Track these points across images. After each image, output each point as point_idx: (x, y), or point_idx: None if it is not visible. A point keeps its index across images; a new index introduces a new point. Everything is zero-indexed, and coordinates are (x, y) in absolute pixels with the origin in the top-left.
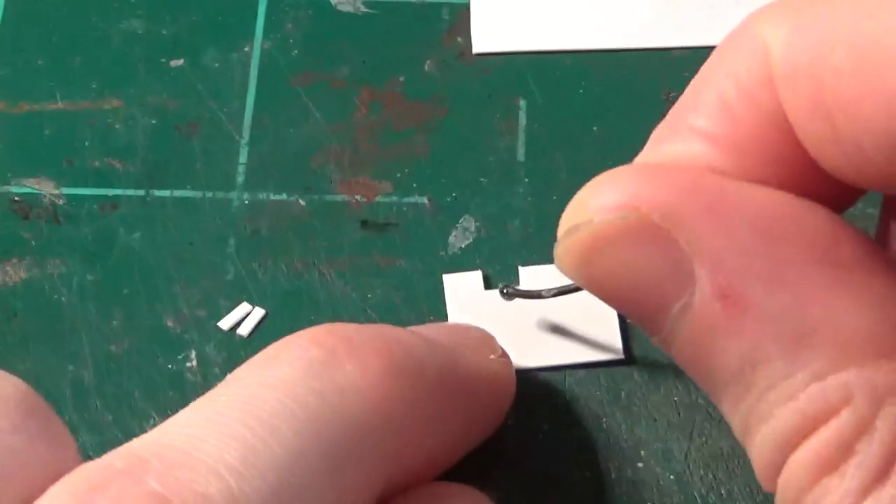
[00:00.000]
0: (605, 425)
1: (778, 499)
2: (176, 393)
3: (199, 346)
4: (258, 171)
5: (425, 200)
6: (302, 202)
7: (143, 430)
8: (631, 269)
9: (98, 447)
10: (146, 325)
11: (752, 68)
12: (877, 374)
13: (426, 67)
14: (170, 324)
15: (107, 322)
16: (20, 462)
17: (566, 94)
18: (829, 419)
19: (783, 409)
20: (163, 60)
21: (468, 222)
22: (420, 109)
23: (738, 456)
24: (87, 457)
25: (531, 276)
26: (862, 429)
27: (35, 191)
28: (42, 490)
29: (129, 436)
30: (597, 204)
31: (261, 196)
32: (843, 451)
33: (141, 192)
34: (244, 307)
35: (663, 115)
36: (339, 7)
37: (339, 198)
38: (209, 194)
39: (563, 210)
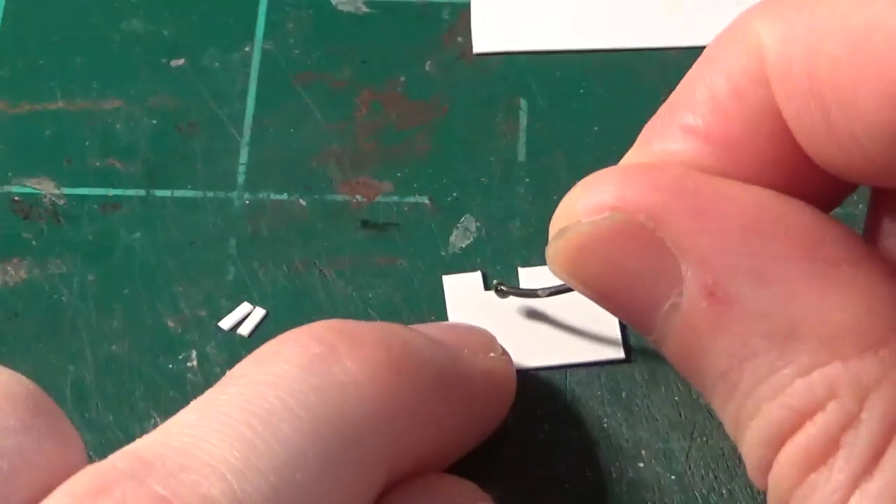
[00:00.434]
0: (605, 425)
1: (769, 495)
2: (177, 393)
3: (200, 347)
4: (259, 171)
5: (426, 200)
6: (303, 202)
7: (143, 431)
8: (619, 270)
9: (99, 447)
10: (147, 325)
11: (744, 66)
12: (861, 367)
13: (427, 67)
14: (170, 324)
15: (107, 322)
16: (28, 460)
17: (567, 95)
18: (815, 413)
19: (770, 404)
20: (163, 60)
21: (469, 222)
22: (421, 109)
23: (738, 456)
24: (87, 457)
25: (530, 278)
26: (848, 422)
27: (35, 191)
28: (50, 488)
29: (129, 436)
30: (584, 206)
31: (261, 196)
32: (830, 445)
33: (142, 192)
34: (245, 307)
35: None
36: (340, 7)
37: (339, 198)
38: (210, 194)
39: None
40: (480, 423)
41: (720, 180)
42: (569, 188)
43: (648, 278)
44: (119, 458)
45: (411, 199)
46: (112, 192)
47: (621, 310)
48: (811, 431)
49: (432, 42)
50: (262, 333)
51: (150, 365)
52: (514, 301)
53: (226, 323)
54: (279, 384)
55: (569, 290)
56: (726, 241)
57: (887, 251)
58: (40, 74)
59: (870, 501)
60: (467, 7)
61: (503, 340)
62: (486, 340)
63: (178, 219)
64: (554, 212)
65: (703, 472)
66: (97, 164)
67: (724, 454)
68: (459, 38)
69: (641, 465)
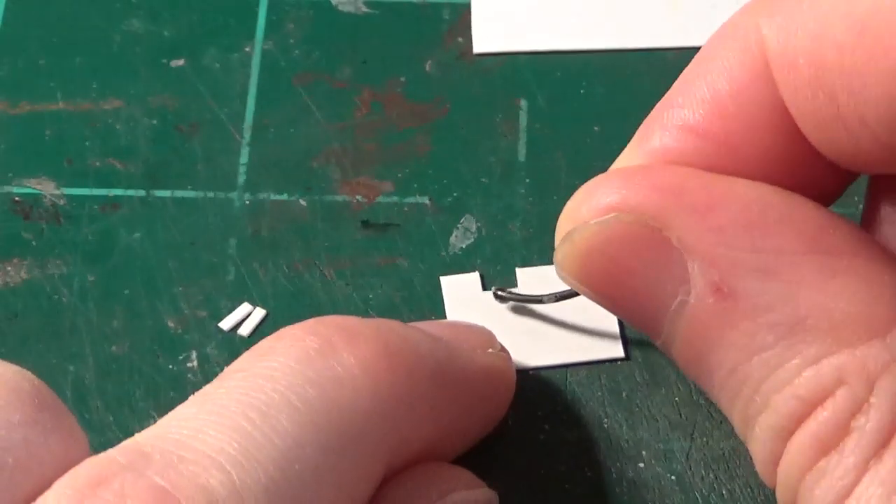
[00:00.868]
0: (606, 425)
1: (779, 488)
2: (177, 393)
3: (200, 347)
4: (259, 171)
5: (426, 200)
6: (303, 202)
7: None
8: (627, 272)
9: (99, 447)
10: (147, 326)
11: (744, 62)
12: (869, 354)
13: (427, 68)
14: (171, 324)
15: (107, 322)
16: (34, 454)
17: (567, 95)
18: (824, 401)
19: (779, 396)
20: (164, 61)
21: (469, 222)
22: (421, 109)
23: (739, 456)
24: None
25: (528, 278)
26: (857, 407)
27: (36, 191)
28: (54, 482)
29: (129, 436)
30: (590, 208)
31: (262, 196)
32: (839, 430)
33: (142, 193)
34: (245, 307)
35: None
36: (340, 7)
37: (340, 198)
38: (210, 194)
39: (559, 217)
40: (480, 419)
41: (722, 178)
42: (569, 188)
43: (656, 278)
44: (119, 451)
45: (411, 200)
46: (112, 192)
47: (630, 312)
48: (821, 418)
49: (432, 42)
50: (263, 334)
51: (151, 365)
52: (513, 302)
53: (226, 323)
54: (277, 377)
55: (573, 294)
56: (731, 237)
57: (886, 241)
58: (40, 74)
59: (880, 483)
60: (467, 7)
61: (502, 340)
62: (485, 337)
63: (179, 219)
64: (554, 212)
65: (703, 472)
66: (97, 164)
67: (724, 455)
68: (460, 38)
69: (642, 465)
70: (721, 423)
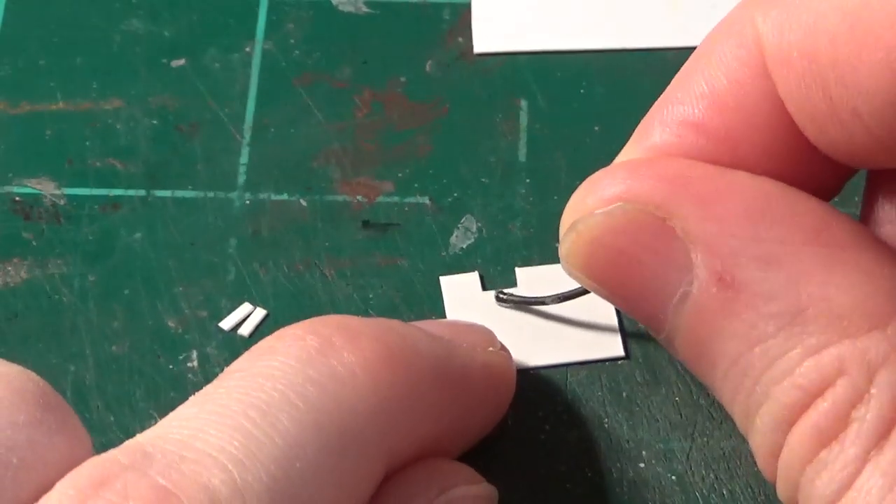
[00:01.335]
0: (606, 425)
1: (779, 482)
2: (177, 394)
3: (201, 347)
4: (259, 171)
5: (427, 201)
6: (303, 202)
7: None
8: (631, 262)
9: (100, 447)
10: (147, 326)
11: (742, 57)
12: (870, 345)
13: (427, 68)
14: (171, 324)
15: (108, 322)
16: (38, 454)
17: (567, 95)
18: (825, 391)
19: (780, 387)
20: (164, 61)
21: (469, 222)
22: (421, 110)
23: (739, 456)
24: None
25: (528, 278)
26: (858, 398)
27: (36, 191)
28: (57, 482)
29: (130, 436)
30: (595, 199)
31: (262, 196)
32: (840, 421)
33: (142, 193)
34: (245, 307)
35: None
36: (341, 7)
37: (340, 198)
38: (210, 194)
39: (564, 210)
40: (480, 418)
41: (725, 170)
42: (569, 188)
43: (660, 269)
44: (120, 451)
45: (412, 200)
46: (112, 192)
47: (634, 304)
48: (821, 408)
49: (433, 42)
50: (263, 334)
51: (151, 365)
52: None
53: (226, 323)
54: (277, 376)
55: (576, 295)
56: (734, 227)
57: (885, 236)
58: (40, 74)
59: (881, 474)
60: (468, 7)
61: (503, 339)
62: (485, 336)
63: (179, 219)
64: (555, 212)
65: (703, 472)
66: (98, 164)
67: (724, 454)
68: (460, 39)
69: (642, 465)
70: (721, 423)
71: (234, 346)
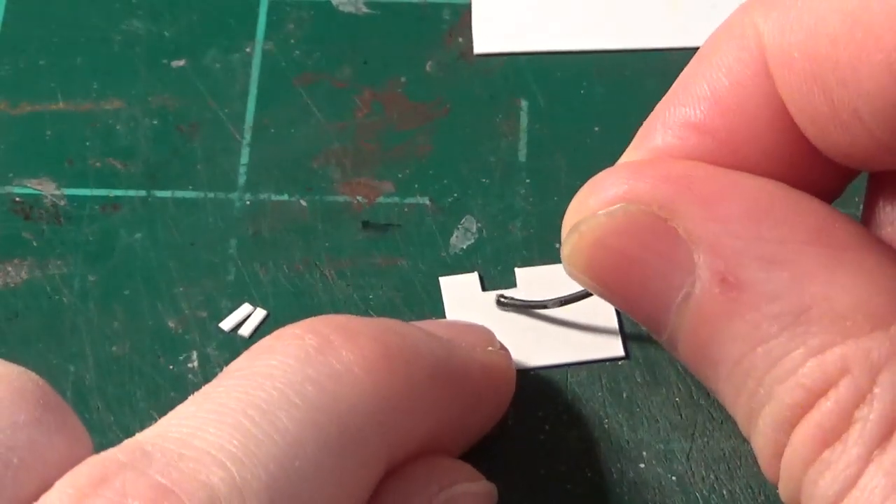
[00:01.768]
0: (606, 426)
1: (782, 482)
2: (177, 394)
3: (201, 347)
4: (259, 171)
5: (427, 201)
6: (303, 203)
7: None
8: (633, 263)
9: (100, 448)
10: (147, 326)
11: (743, 59)
12: (873, 345)
13: (427, 68)
14: (171, 324)
15: (108, 323)
16: (38, 454)
17: (567, 95)
18: (828, 391)
19: (783, 386)
20: (164, 61)
21: (469, 223)
22: (421, 110)
23: (739, 456)
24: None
25: (527, 278)
26: (860, 398)
27: (36, 191)
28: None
29: (130, 437)
30: (597, 199)
31: (262, 197)
32: (843, 421)
33: (142, 193)
34: (245, 308)
35: None
36: (341, 8)
37: (340, 198)
38: (210, 195)
39: (564, 211)
40: (480, 417)
41: (727, 171)
42: (569, 189)
43: (662, 270)
44: (120, 450)
45: (412, 200)
46: (113, 192)
47: (636, 306)
48: (825, 408)
49: (433, 42)
50: (263, 334)
51: (151, 366)
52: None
53: (227, 324)
54: (276, 375)
55: (578, 298)
56: (736, 228)
57: (887, 239)
58: (41, 74)
59: (884, 474)
60: (468, 7)
61: (502, 340)
62: (485, 336)
63: (179, 219)
64: (555, 212)
65: (703, 472)
66: (98, 164)
67: (725, 455)
68: (460, 39)
69: (642, 465)
70: (722, 423)
71: (235, 346)
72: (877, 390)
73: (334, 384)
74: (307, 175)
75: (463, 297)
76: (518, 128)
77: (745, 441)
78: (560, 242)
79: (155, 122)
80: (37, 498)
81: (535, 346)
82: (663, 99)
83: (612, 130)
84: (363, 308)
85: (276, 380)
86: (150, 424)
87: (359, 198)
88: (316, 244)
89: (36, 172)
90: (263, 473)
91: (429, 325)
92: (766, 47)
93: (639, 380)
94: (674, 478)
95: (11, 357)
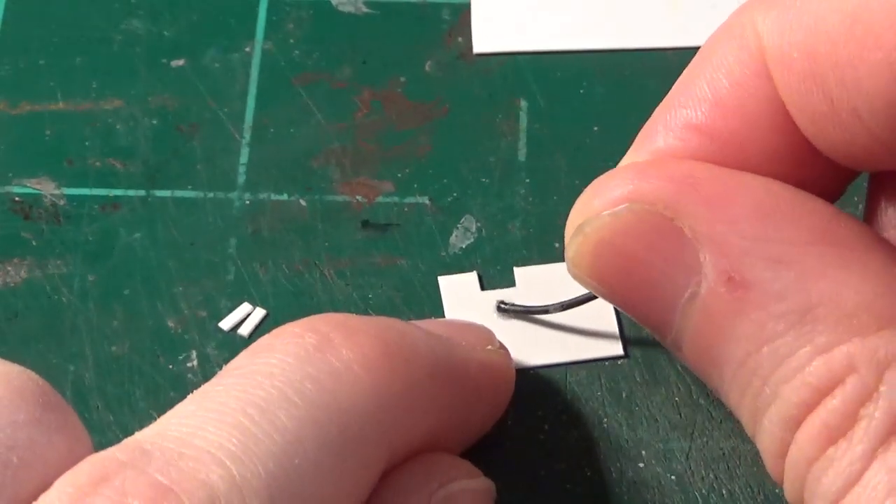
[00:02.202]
0: (605, 425)
1: (786, 480)
2: (177, 393)
3: (200, 347)
4: (259, 171)
5: (426, 201)
6: (303, 202)
7: None
8: (639, 264)
9: (99, 447)
10: (147, 326)
11: (743, 60)
12: (879, 344)
13: (427, 68)
14: (171, 324)
15: (108, 322)
16: (38, 453)
17: (567, 95)
18: (834, 389)
19: (789, 385)
20: (164, 61)
21: (469, 222)
22: (421, 110)
23: (739, 456)
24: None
25: (526, 277)
26: (866, 396)
27: (36, 191)
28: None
29: (129, 436)
30: (602, 200)
31: (262, 196)
32: (848, 419)
33: (142, 193)
34: (245, 307)
35: None
36: (340, 7)
37: (340, 198)
38: (210, 194)
39: (564, 210)
40: (479, 416)
41: (731, 171)
42: (569, 188)
43: (668, 270)
44: (119, 449)
45: (411, 200)
46: (112, 192)
47: (640, 307)
48: (830, 406)
49: (432, 42)
50: (263, 334)
51: (151, 365)
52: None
53: (226, 323)
54: (275, 373)
55: (580, 303)
56: (742, 227)
57: (888, 238)
58: (40, 74)
59: (888, 471)
60: (467, 7)
61: (502, 339)
62: (484, 335)
63: (179, 219)
64: (554, 212)
65: (703, 472)
66: (97, 164)
67: (724, 454)
68: (460, 39)
69: (642, 465)
70: (721, 422)
71: (234, 345)
72: (883, 388)
73: (334, 382)
74: (307, 175)
75: (462, 296)
76: (518, 127)
77: (745, 441)
78: (560, 242)
79: (154, 122)
80: (36, 497)
81: (534, 345)
82: (664, 100)
83: (612, 130)
84: (363, 307)
85: (275, 378)
86: (149, 424)
87: (358, 197)
88: (315, 244)
89: (35, 172)
90: (263, 472)
91: (428, 324)
92: (765, 47)
93: (638, 379)
94: (673, 477)
95: (11, 357)
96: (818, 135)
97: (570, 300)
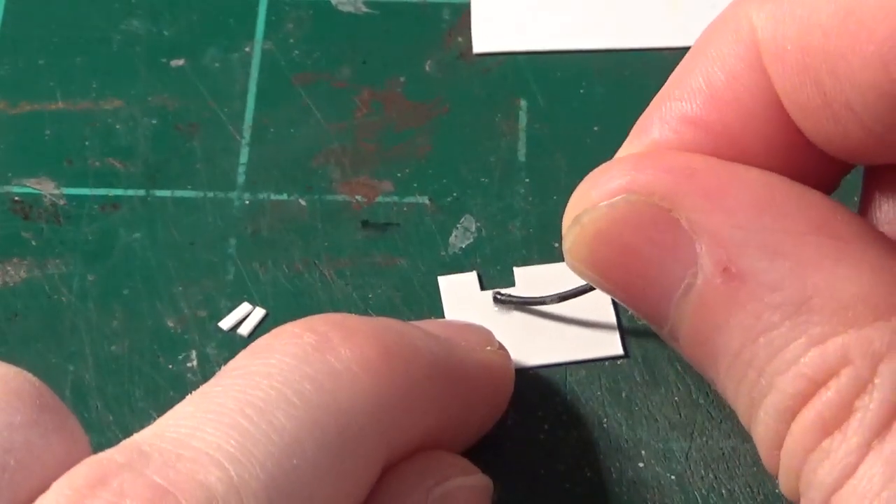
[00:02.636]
0: (605, 425)
1: (781, 472)
2: (177, 393)
3: (200, 347)
4: (259, 171)
5: (426, 200)
6: (303, 202)
7: None
8: (635, 255)
9: (99, 447)
10: (147, 326)
11: (738, 52)
12: (874, 335)
13: (427, 67)
14: (170, 324)
15: (107, 322)
16: (36, 455)
17: (567, 95)
18: (829, 381)
19: (784, 377)
20: (163, 60)
21: (469, 222)
22: (421, 109)
23: (738, 456)
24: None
25: (526, 277)
26: (861, 387)
27: (36, 191)
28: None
29: (129, 436)
30: (599, 191)
31: (261, 196)
32: (843, 410)
33: (142, 193)
34: (245, 307)
35: None
36: (340, 7)
37: (339, 198)
38: (210, 194)
39: (564, 210)
40: (478, 416)
41: (728, 163)
42: (569, 188)
43: (664, 260)
44: (117, 451)
45: (411, 200)
46: (112, 192)
47: (636, 297)
48: (825, 398)
49: (432, 42)
50: (262, 334)
51: (150, 365)
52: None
53: (226, 323)
54: (273, 374)
55: (576, 294)
56: (739, 218)
57: (886, 232)
58: (40, 74)
59: (883, 463)
60: (467, 7)
61: (501, 339)
62: (484, 335)
63: (178, 219)
64: (554, 212)
65: (702, 472)
66: (97, 164)
67: (724, 454)
68: (459, 38)
69: (641, 465)
70: (721, 422)
71: (234, 345)
72: (877, 380)
73: (333, 382)
74: (306, 174)
75: (462, 296)
76: (517, 127)
77: (745, 440)
78: (559, 241)
79: (154, 122)
80: (34, 499)
81: (533, 345)
82: (659, 93)
83: (612, 130)
84: (362, 307)
85: (273, 378)
86: (149, 424)
87: (358, 197)
88: (315, 244)
89: (35, 172)
90: (261, 473)
91: (428, 324)
92: (759, 40)
93: (638, 379)
94: (673, 477)
95: (11, 357)
96: (812, 128)
97: (567, 291)
